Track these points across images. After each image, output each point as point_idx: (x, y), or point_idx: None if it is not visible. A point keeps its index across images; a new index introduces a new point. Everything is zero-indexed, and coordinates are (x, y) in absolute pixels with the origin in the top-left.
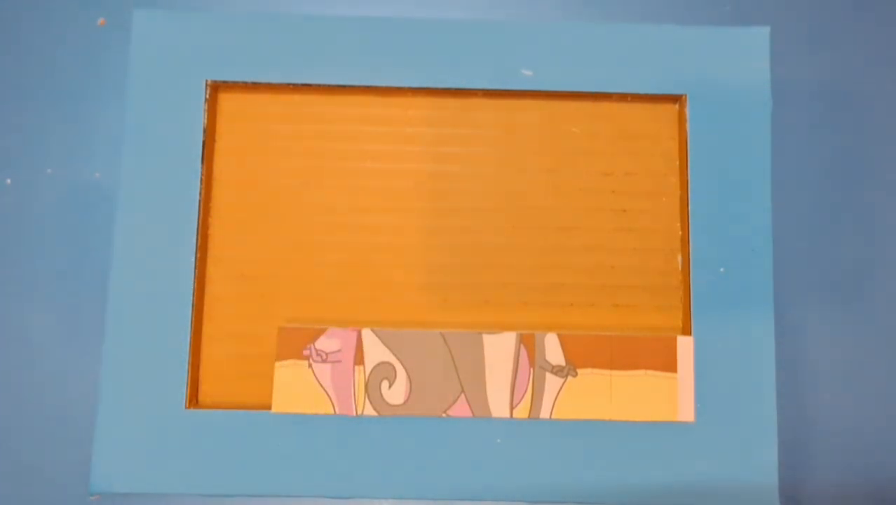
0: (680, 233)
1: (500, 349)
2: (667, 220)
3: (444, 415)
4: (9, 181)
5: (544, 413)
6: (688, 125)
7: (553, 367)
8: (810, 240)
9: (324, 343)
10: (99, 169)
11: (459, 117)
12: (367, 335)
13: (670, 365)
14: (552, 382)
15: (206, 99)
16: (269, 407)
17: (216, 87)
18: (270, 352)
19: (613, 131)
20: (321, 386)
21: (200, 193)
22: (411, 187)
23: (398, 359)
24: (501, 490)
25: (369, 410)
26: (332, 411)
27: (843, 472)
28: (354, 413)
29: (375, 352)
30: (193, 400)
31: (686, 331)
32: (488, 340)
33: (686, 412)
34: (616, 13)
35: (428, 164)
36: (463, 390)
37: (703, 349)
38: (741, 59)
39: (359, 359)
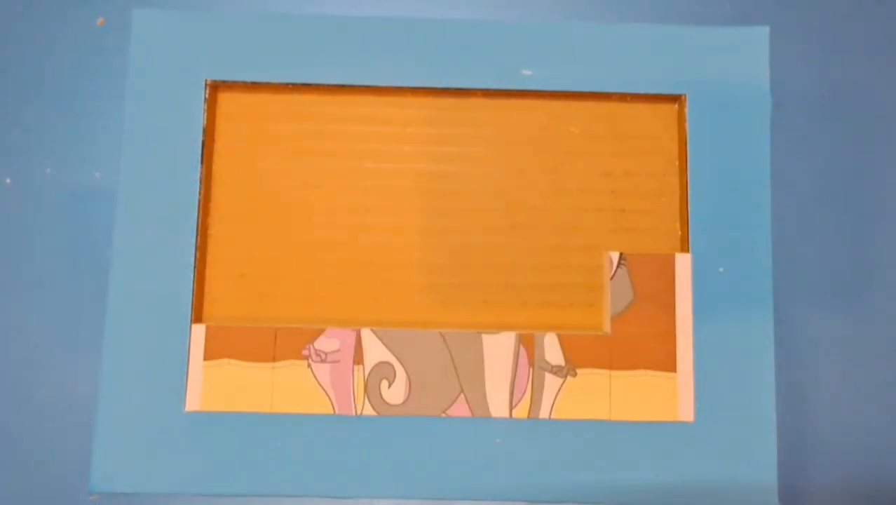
0: (679, 233)
1: (499, 349)
2: (667, 221)
3: (443, 415)
4: (9, 181)
5: (543, 413)
6: (687, 125)
7: (552, 367)
8: (810, 240)
9: (323, 343)
10: (99, 169)
11: (459, 117)
12: (367, 335)
13: (670, 365)
14: (551, 381)
15: (205, 99)
16: (268, 407)
17: (215, 87)
18: (270, 351)
19: (613, 131)
20: (320, 386)
21: (200, 193)
22: (411, 187)
23: (397, 359)
24: (501, 490)
25: (368, 410)
26: (331, 411)
27: (843, 471)
28: (354, 413)
29: (375, 352)
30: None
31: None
32: (487, 339)
33: (685, 412)
34: (616, 13)
35: (427, 164)
36: (462, 390)
37: (702, 349)
38: (741, 59)
39: (358, 359)
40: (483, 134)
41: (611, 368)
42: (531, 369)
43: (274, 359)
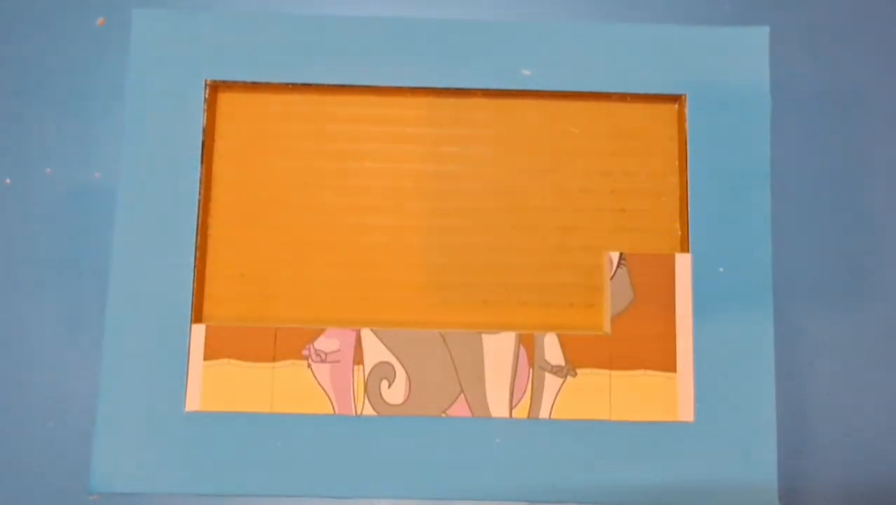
0: (680, 233)
1: (499, 349)
2: (667, 221)
3: (443, 415)
4: (8, 181)
5: (543, 413)
6: (687, 125)
7: (552, 367)
8: (810, 240)
9: (323, 343)
10: (99, 169)
11: (459, 117)
12: (367, 335)
13: (669, 365)
14: (551, 381)
15: (205, 98)
16: (268, 407)
17: (215, 87)
18: (270, 351)
19: (613, 131)
20: (320, 386)
21: (200, 193)
22: (411, 187)
23: (397, 359)
24: (501, 490)
25: (368, 410)
26: (331, 411)
27: (842, 471)
28: (354, 413)
29: (375, 352)
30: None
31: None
32: (487, 339)
33: (685, 412)
34: (616, 13)
35: (428, 164)
36: (462, 390)
37: (702, 349)
38: (741, 59)
39: (358, 359)
40: (483, 134)
41: (611, 368)
42: (531, 369)
43: (274, 359)
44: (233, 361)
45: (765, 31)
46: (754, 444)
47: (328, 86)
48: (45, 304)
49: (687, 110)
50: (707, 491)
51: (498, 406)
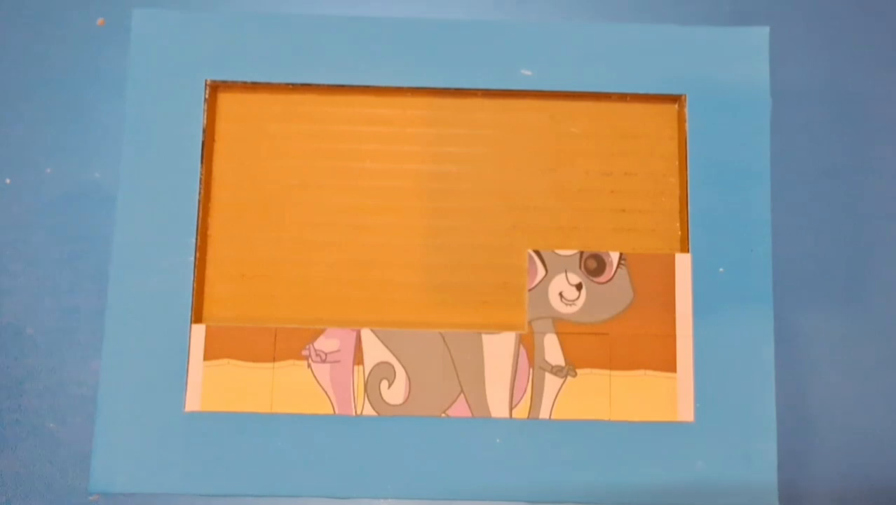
0: (679, 233)
1: (499, 349)
2: (666, 221)
3: (443, 415)
4: (8, 181)
5: (544, 413)
6: (687, 125)
7: (552, 367)
8: (810, 240)
9: (323, 343)
10: (99, 169)
11: (459, 117)
12: (367, 335)
13: (670, 365)
14: (551, 382)
15: (205, 99)
16: (268, 407)
17: (215, 87)
18: (270, 352)
19: (613, 131)
20: (320, 386)
21: (200, 193)
22: (411, 187)
23: (397, 359)
24: (501, 490)
25: (368, 410)
26: (331, 411)
27: (842, 471)
28: (354, 413)
29: (374, 352)
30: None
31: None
32: (487, 340)
33: (685, 412)
34: (616, 13)
35: (427, 165)
36: (462, 390)
37: (702, 349)
38: (741, 59)
39: (358, 359)
40: (483, 134)
41: (611, 368)
42: (531, 369)
43: (274, 359)
44: (233, 362)
45: (765, 31)
46: (754, 444)
47: (328, 86)
48: (45, 303)
49: (687, 110)
50: (707, 491)
51: (498, 406)
